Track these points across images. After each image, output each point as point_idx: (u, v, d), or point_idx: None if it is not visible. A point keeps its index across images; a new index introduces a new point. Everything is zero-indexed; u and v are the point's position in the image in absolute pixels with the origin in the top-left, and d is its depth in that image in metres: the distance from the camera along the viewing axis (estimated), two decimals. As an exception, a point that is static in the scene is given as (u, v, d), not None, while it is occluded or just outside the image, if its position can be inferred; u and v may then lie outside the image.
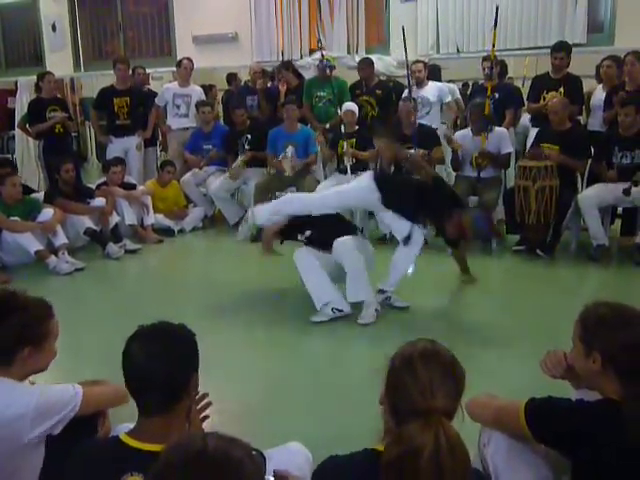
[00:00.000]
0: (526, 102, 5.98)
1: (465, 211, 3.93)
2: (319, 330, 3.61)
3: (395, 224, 3.83)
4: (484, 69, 5.97)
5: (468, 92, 6.98)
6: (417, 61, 6.43)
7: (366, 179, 3.85)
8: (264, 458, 1.64)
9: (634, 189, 4.64)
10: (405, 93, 5.80)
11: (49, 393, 1.77)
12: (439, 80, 6.77)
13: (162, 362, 1.40)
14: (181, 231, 6.12)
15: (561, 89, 5.45)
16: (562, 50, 5.51)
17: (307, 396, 2.92)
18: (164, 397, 1.41)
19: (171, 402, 1.41)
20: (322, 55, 6.43)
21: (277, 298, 4.19)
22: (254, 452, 1.66)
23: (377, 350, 3.14)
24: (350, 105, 5.91)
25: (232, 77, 8.32)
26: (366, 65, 6.42)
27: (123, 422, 1.78)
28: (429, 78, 6.38)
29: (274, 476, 1.55)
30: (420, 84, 6.20)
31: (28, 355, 1.74)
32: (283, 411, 2.75)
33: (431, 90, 6.25)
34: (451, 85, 6.74)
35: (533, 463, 1.66)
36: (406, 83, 5.69)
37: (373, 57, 6.87)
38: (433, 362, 1.34)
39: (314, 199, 4.07)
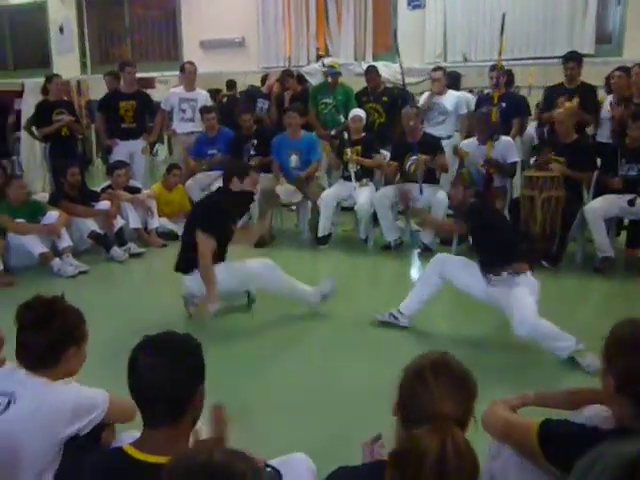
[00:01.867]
0: (533, 112, 5.97)
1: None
2: (317, 340, 3.60)
3: None
4: (491, 78, 5.97)
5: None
6: (438, 68, 6.38)
7: None
8: (280, 476, 1.63)
9: (639, 200, 4.63)
10: (420, 99, 5.75)
11: (85, 394, 1.83)
12: (458, 89, 6.70)
13: (168, 374, 1.38)
14: (185, 235, 6.09)
15: (576, 98, 5.45)
16: (573, 60, 5.57)
17: (312, 407, 2.89)
18: (169, 409, 1.39)
19: (177, 414, 1.39)
20: (322, 64, 6.45)
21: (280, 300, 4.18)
22: (270, 470, 1.65)
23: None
24: (358, 111, 5.88)
25: (232, 83, 8.33)
26: (372, 72, 6.42)
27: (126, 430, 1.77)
28: (448, 86, 6.33)
29: None
30: (439, 92, 6.17)
31: (72, 354, 1.84)
32: (287, 422, 2.73)
33: (450, 99, 6.21)
34: (468, 95, 6.57)
35: None
36: (414, 90, 5.67)
37: (379, 64, 6.88)
38: (443, 373, 1.35)
39: None
